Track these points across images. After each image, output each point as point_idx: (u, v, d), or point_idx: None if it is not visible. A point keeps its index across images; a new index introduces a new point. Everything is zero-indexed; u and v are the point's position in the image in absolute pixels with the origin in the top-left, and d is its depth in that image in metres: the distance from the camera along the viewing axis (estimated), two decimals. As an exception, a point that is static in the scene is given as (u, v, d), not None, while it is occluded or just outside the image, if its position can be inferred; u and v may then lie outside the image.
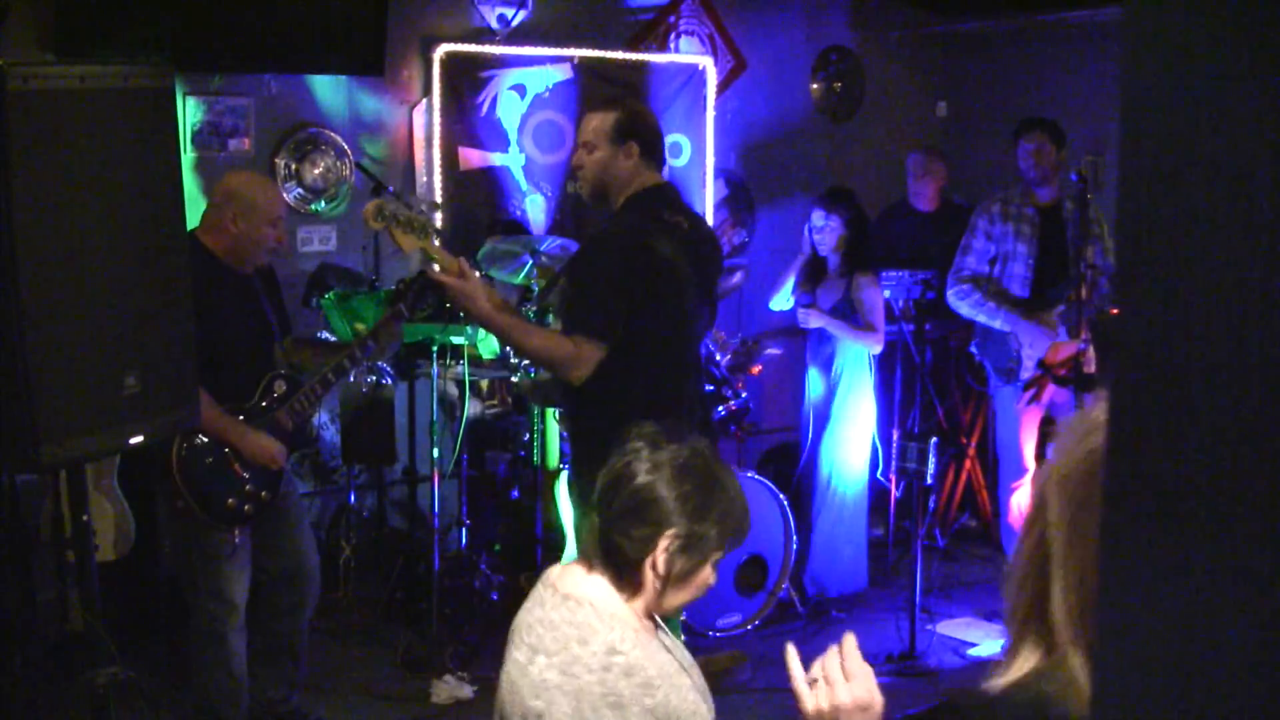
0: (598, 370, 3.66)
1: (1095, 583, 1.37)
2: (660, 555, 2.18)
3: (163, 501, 4.07)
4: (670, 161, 6.97)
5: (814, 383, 5.87)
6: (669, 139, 6.91)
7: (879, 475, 5.93)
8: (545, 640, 2.17)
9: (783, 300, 5.88)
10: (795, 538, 5.46)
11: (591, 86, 6.68)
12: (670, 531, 2.17)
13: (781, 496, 5.45)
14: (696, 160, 7.05)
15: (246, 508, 4.02)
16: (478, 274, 3.69)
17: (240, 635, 4.12)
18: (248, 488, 4.02)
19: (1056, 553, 1.41)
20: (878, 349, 5.69)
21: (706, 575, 2.22)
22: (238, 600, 4.08)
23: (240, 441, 3.97)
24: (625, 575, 2.22)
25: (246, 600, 4.13)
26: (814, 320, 5.68)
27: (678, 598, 2.23)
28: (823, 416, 5.79)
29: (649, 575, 2.20)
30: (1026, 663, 1.46)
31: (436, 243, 3.66)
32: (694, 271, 3.89)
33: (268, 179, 4.28)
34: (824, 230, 5.68)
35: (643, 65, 6.90)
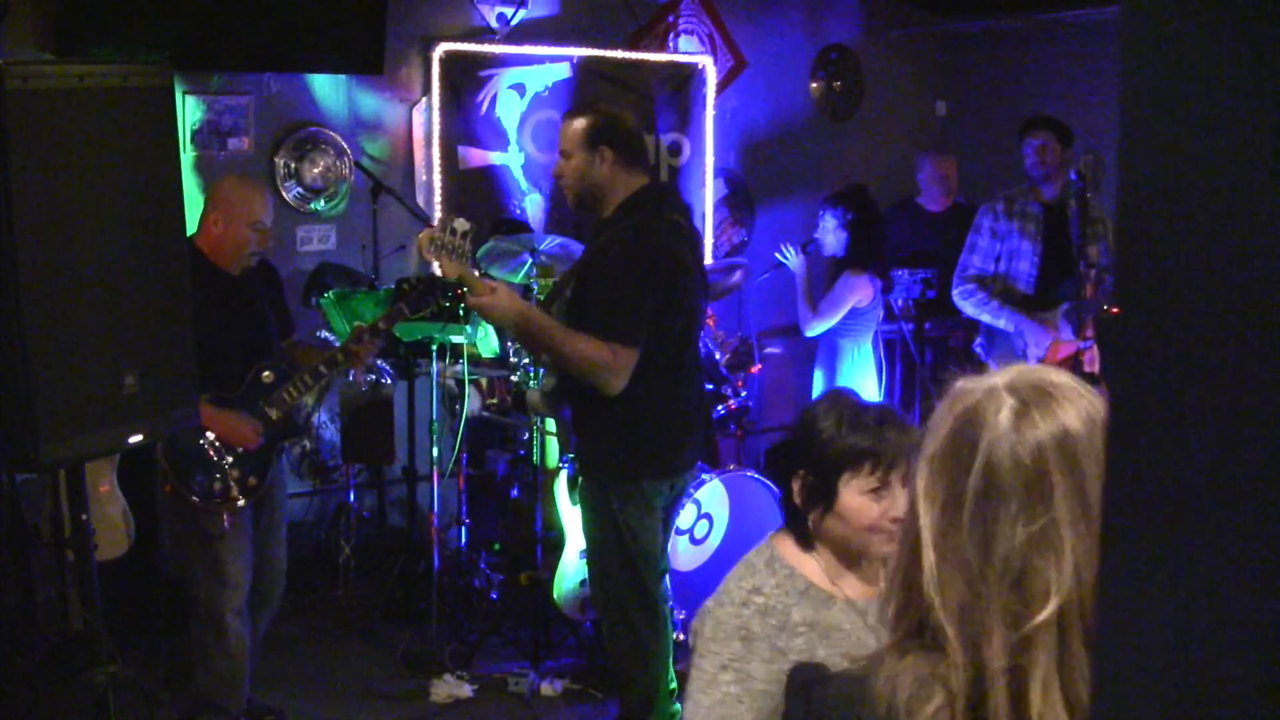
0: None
1: (973, 558, 1.37)
2: (798, 498, 2.35)
3: (159, 488, 4.13)
4: (670, 160, 6.98)
5: (819, 384, 5.86)
6: (669, 138, 6.94)
7: None
8: (730, 573, 2.44)
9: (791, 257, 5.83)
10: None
11: (591, 85, 6.68)
12: (801, 472, 2.34)
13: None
14: (696, 159, 7.05)
15: (234, 492, 4.08)
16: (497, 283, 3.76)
17: (240, 621, 4.14)
18: (235, 473, 4.08)
19: (926, 535, 1.40)
20: (807, 331, 5.70)
21: (851, 502, 2.29)
22: (238, 581, 4.11)
23: (210, 422, 3.99)
24: (798, 530, 2.39)
25: (249, 588, 4.16)
26: (790, 256, 5.69)
27: (839, 530, 2.33)
28: None
29: (809, 522, 2.35)
30: (884, 648, 1.47)
31: (474, 271, 3.74)
32: (695, 268, 3.93)
33: (255, 183, 4.30)
34: (819, 229, 5.70)
35: (642, 64, 6.90)
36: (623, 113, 4.01)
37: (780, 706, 2.12)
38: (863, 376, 5.74)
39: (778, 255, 5.77)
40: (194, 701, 4.18)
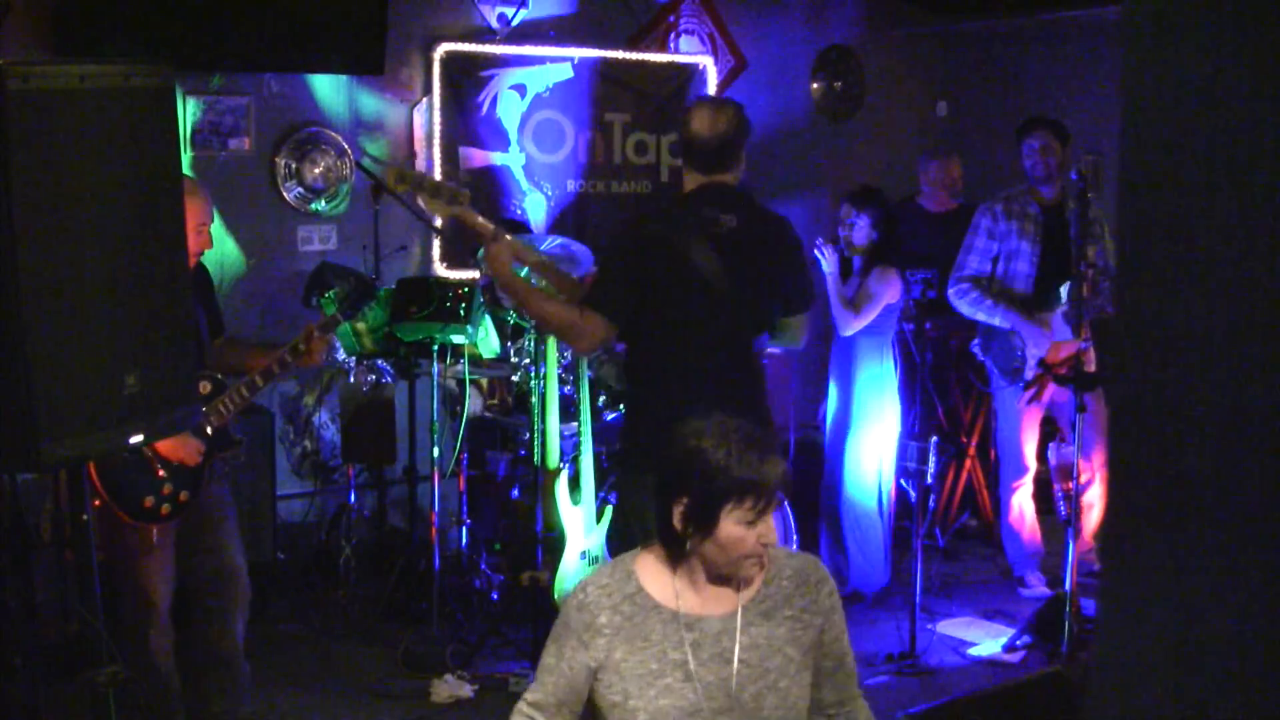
0: (633, 352, 3.98)
1: None
2: (678, 523, 2.47)
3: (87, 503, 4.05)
4: (670, 161, 6.99)
5: (834, 387, 5.81)
6: (668, 138, 6.94)
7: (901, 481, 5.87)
8: None
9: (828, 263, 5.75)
10: (795, 537, 5.45)
11: (592, 86, 6.69)
12: (684, 499, 2.46)
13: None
14: (697, 160, 7.04)
15: (164, 508, 3.98)
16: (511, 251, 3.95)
17: (163, 636, 4.09)
18: (166, 488, 3.98)
19: None
20: (845, 331, 5.64)
21: (731, 531, 2.42)
22: (158, 600, 4.05)
23: None
24: (671, 551, 2.52)
25: (170, 603, 4.10)
26: (826, 260, 5.64)
27: (715, 555, 2.47)
28: (843, 423, 5.74)
29: (685, 544, 2.48)
30: None
31: (473, 212, 3.96)
32: (725, 267, 3.91)
33: (194, 183, 4.18)
34: (852, 229, 5.63)
35: (643, 64, 6.90)
36: (697, 115, 4.03)
37: (576, 689, 2.48)
38: (884, 376, 5.69)
39: (816, 253, 5.69)
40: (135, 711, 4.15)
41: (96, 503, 3.92)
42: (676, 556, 2.51)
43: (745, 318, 4.01)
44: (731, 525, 2.42)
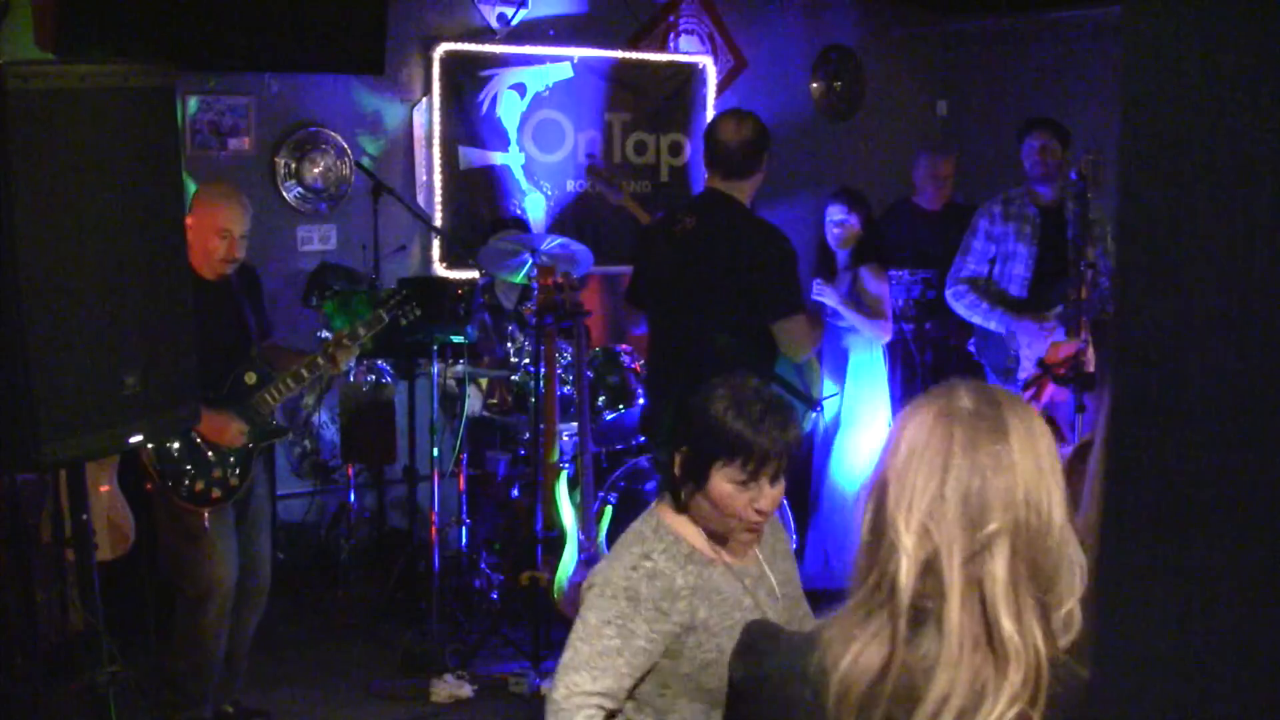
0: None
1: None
2: (677, 470, 2.49)
3: (141, 485, 4.18)
4: (670, 161, 6.99)
5: (829, 388, 5.83)
6: (668, 138, 6.95)
7: None
8: (621, 539, 2.58)
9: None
10: (793, 536, 5.44)
11: (592, 85, 6.69)
12: (683, 448, 2.48)
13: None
14: (696, 159, 7.05)
15: (215, 492, 4.12)
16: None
17: (219, 617, 4.16)
18: (216, 472, 4.13)
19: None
20: (887, 338, 5.65)
21: (720, 488, 2.42)
22: (220, 578, 4.13)
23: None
24: (674, 498, 2.53)
25: (233, 585, 4.18)
26: (829, 298, 5.63)
27: (707, 511, 2.47)
28: (834, 420, 5.74)
29: (680, 492, 2.49)
30: (844, 621, 1.63)
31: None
32: (684, 266, 4.26)
33: (229, 190, 4.32)
34: (842, 226, 5.67)
35: (643, 64, 6.90)
36: (718, 122, 4.37)
37: (653, 663, 2.43)
38: (876, 372, 5.70)
39: (816, 297, 5.66)
40: (163, 686, 4.20)
41: (149, 486, 4.11)
42: (679, 507, 2.52)
43: (703, 316, 4.23)
44: (722, 482, 2.42)
